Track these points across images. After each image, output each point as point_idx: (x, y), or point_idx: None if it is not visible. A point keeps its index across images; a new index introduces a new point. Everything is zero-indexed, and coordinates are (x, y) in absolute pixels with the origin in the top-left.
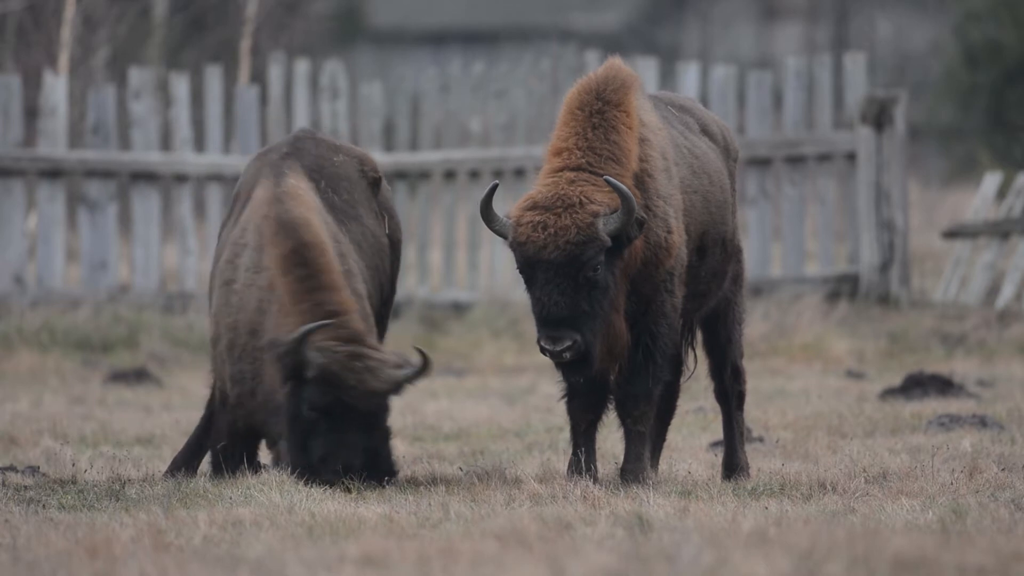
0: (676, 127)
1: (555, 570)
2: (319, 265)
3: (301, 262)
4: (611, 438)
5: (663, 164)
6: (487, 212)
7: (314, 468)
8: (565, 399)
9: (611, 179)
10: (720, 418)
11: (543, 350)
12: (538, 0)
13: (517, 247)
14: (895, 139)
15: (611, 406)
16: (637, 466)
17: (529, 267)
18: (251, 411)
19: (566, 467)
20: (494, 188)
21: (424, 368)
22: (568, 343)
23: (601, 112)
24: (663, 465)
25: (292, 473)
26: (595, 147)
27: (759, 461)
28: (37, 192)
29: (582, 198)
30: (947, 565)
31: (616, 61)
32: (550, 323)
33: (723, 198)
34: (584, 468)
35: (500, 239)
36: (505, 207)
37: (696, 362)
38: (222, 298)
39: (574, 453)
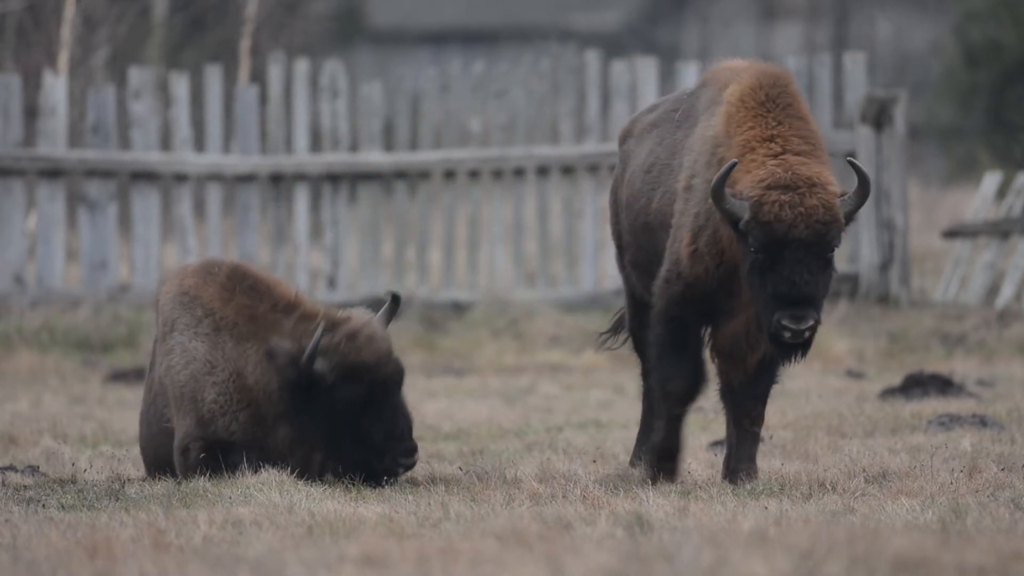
0: None
1: (555, 570)
2: None
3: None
4: (611, 438)
5: None
6: (719, 192)
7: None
8: (663, 379)
9: (853, 160)
10: (721, 417)
11: (783, 329)
12: (538, 0)
13: (762, 226)
14: (895, 139)
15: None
16: (751, 467)
17: (775, 246)
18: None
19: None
20: (732, 166)
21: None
22: (811, 322)
23: (791, 104)
24: None
25: None
26: (803, 135)
27: (759, 461)
28: (37, 192)
29: (822, 179)
30: (947, 565)
31: (759, 62)
32: (798, 302)
33: None
34: (677, 454)
35: (497, 239)
36: (504, 208)
37: None
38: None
39: (667, 434)
